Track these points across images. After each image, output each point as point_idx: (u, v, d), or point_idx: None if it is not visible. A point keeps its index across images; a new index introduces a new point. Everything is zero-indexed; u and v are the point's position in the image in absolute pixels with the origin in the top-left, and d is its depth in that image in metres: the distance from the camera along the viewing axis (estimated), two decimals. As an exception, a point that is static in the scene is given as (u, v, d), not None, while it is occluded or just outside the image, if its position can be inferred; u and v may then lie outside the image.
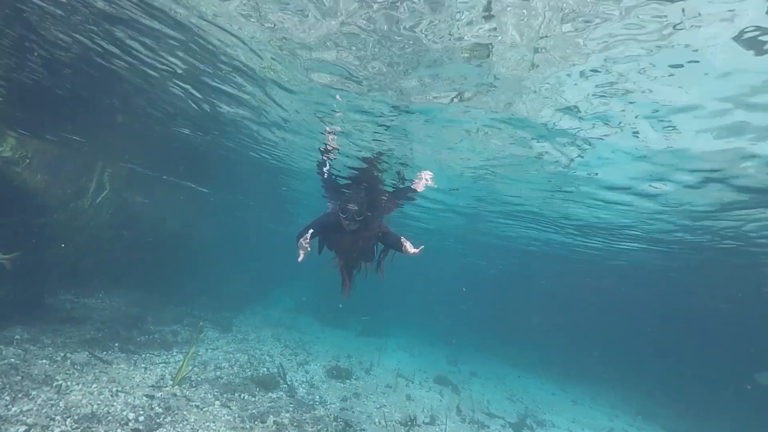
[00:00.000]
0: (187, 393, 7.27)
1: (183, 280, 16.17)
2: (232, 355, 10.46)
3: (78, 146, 11.18)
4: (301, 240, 4.67)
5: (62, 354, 7.10)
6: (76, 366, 6.88)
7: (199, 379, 8.04)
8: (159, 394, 6.85)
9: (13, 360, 6.39)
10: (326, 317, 21.90)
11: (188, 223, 17.06)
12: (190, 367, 8.64)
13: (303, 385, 9.78)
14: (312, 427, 7.31)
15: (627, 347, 28.24)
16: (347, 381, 10.97)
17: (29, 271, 7.74)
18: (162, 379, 7.52)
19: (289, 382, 9.62)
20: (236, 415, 6.96)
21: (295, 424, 7.31)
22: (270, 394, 8.46)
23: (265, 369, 10.09)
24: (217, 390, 7.78)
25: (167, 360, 8.82)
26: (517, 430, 10.56)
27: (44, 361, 6.66)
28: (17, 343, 7.02)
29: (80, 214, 9.84)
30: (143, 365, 8.02)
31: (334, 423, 7.77)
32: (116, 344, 8.65)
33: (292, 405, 8.27)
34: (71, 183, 9.76)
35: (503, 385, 16.22)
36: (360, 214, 5.41)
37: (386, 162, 8.42)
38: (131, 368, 7.65)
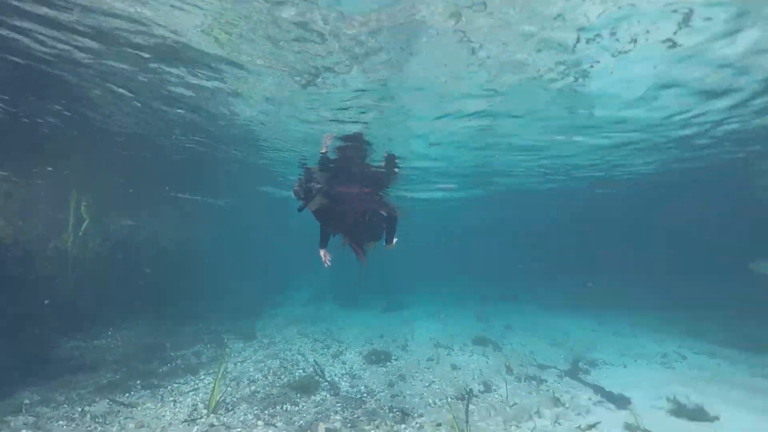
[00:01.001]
0: (226, 419, 6.61)
1: (192, 296, 15.43)
2: (263, 364, 9.82)
3: (45, 180, 10.17)
4: (323, 259, 5.85)
5: (80, 409, 6.39)
6: (97, 419, 6.17)
7: (234, 399, 7.38)
8: (195, 429, 6.19)
9: (24, 431, 5.67)
10: (347, 301, 21.41)
11: (185, 236, 16.17)
12: (223, 389, 7.99)
13: (344, 379, 9.18)
14: (369, 425, 6.70)
15: (660, 269, 27.93)
16: (388, 363, 10.40)
17: (19, 328, 6.94)
18: (195, 409, 6.85)
19: (329, 379, 9.02)
20: (284, 432, 6.33)
21: (348, 425, 6.70)
22: (313, 397, 7.84)
23: (300, 371, 9.46)
24: (256, 407, 7.13)
25: (196, 386, 8.15)
26: (572, 376, 10.08)
27: (61, 422, 5.94)
28: (27, 409, 6.30)
29: (64, 253, 8.95)
30: (171, 398, 7.33)
31: (391, 414, 7.16)
32: (138, 382, 7.96)
33: (339, 404, 7.66)
34: (46, 222, 8.82)
35: (541, 332, 15.81)
36: (299, 194, 5.43)
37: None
38: (159, 405, 6.97)
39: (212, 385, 6.57)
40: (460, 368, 10.12)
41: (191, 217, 19.17)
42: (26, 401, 6.53)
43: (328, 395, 8.02)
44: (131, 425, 6.09)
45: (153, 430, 6.05)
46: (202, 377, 8.68)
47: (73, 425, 5.91)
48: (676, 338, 14.27)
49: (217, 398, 6.95)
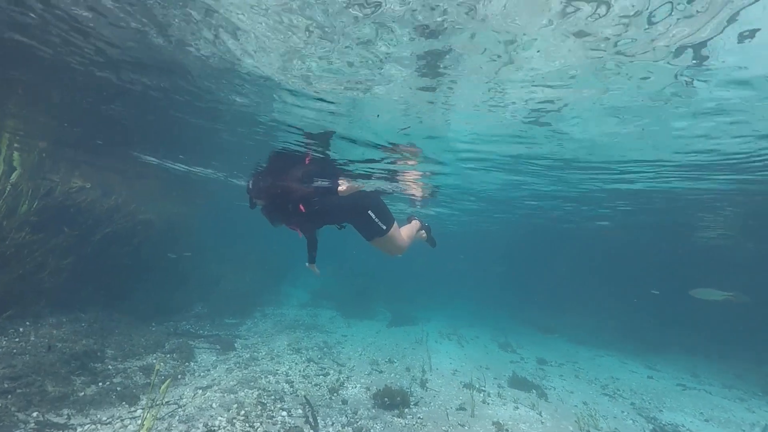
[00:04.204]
0: None
1: (166, 287, 12.66)
2: (233, 396, 7.00)
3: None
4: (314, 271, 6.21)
5: None
6: None
7: (171, 470, 4.57)
8: None
9: None
10: (348, 308, 18.64)
11: (165, 212, 13.43)
12: (162, 440, 5.18)
13: (346, 434, 6.35)
14: None
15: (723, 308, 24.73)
16: (405, 410, 7.54)
17: None
18: (96, 491, 4.04)
19: (324, 433, 6.19)
20: None
21: None
22: (299, 472, 5.01)
23: (284, 414, 6.63)
24: (204, 489, 4.32)
25: (122, 431, 5.35)
26: (660, 456, 7.23)
27: None
28: None
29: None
30: (70, 457, 4.54)
31: None
32: (32, 415, 5.16)
33: (337, 488, 4.86)
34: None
35: (583, 373, 12.92)
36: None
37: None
38: (41, 473, 4.17)
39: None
40: (507, 429, 7.24)
41: (175, 188, 16.41)
42: None
43: (321, 467, 5.19)
44: None
45: None
46: (139, 413, 5.88)
47: None
48: (761, 401, 11.32)
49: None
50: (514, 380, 10.53)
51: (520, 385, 10.22)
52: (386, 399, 7.69)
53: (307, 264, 6.29)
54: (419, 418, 7.31)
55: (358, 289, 21.12)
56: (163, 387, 4.12)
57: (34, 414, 5.22)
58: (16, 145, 8.13)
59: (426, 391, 9.00)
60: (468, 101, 5.36)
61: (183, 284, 13.42)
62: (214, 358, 9.27)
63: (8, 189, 7.44)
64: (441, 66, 4.41)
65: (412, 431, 6.72)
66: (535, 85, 4.78)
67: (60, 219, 8.51)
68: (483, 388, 9.53)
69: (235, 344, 10.47)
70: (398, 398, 7.76)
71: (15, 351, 6.14)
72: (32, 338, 6.71)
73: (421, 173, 10.57)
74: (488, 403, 8.60)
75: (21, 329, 6.88)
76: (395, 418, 7.16)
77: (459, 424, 7.24)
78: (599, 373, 13.09)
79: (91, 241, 9.45)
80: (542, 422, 7.82)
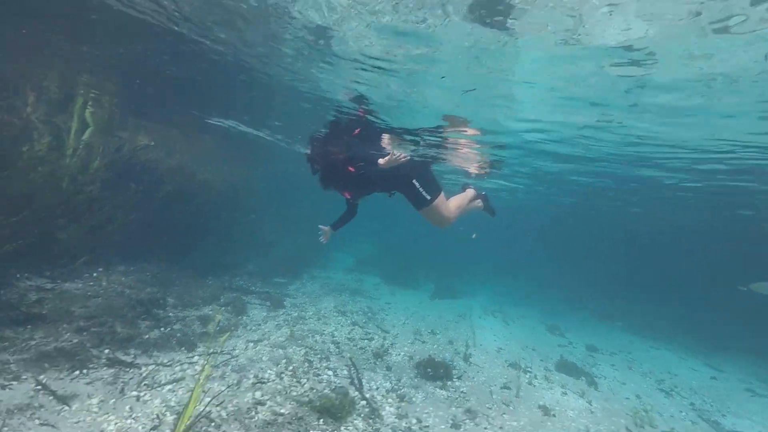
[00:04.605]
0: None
1: (223, 244, 13.28)
2: (282, 351, 7.26)
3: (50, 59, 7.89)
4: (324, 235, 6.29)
5: (-20, 393, 4.06)
6: (-4, 420, 3.79)
7: (222, 415, 4.80)
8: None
9: None
10: (392, 276, 18.74)
11: (224, 172, 13.92)
12: (212, 387, 5.48)
13: (389, 399, 6.41)
14: None
15: None
16: (448, 383, 7.50)
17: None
18: (156, 427, 4.32)
19: (368, 395, 6.29)
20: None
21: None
22: (343, 431, 5.11)
23: (329, 373, 6.80)
24: (253, 438, 4.51)
25: (181, 373, 5.70)
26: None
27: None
28: None
29: (50, 162, 6.67)
30: (134, 392, 4.88)
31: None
32: (104, 352, 5.61)
33: (380, 453, 4.94)
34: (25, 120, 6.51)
35: (637, 365, 12.29)
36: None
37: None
38: (107, 406, 4.52)
39: (191, 395, 3.99)
40: (553, 414, 7.02)
41: (234, 151, 16.93)
42: None
43: (365, 429, 5.27)
44: (40, 445, 3.67)
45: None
46: (196, 359, 6.24)
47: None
48: None
49: (193, 412, 4.35)
50: (562, 365, 10.17)
51: (568, 370, 9.87)
52: (429, 369, 7.68)
53: (325, 226, 6.26)
54: (462, 392, 7.25)
55: (402, 258, 21.26)
56: (222, 338, 4.31)
57: (106, 351, 5.67)
58: (89, 103, 8.57)
59: (469, 365, 8.90)
60: (539, 60, 4.90)
61: (238, 244, 14.03)
62: (265, 314, 9.66)
63: (82, 145, 7.89)
64: (509, 15, 3.98)
65: (454, 404, 6.67)
66: (624, 47, 4.24)
67: (127, 176, 8.97)
68: (529, 369, 9.29)
69: (285, 302, 10.85)
70: (441, 370, 7.73)
71: (89, 294, 6.66)
72: (104, 283, 7.25)
73: (478, 144, 10.12)
74: (534, 385, 8.38)
75: (95, 274, 7.46)
76: (438, 390, 7.14)
77: (503, 403, 7.11)
78: (654, 366, 12.38)
79: (155, 198, 9.97)
80: (592, 411, 7.51)
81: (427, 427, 5.81)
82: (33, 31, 6.55)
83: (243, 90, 8.52)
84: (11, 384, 4.33)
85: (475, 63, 5.11)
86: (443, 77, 5.79)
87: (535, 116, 7.26)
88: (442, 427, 5.87)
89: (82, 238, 7.37)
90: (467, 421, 6.18)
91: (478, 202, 7.55)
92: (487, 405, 6.89)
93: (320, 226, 6.27)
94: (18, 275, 6.19)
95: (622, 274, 30.52)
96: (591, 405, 7.79)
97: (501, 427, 6.18)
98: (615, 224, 25.24)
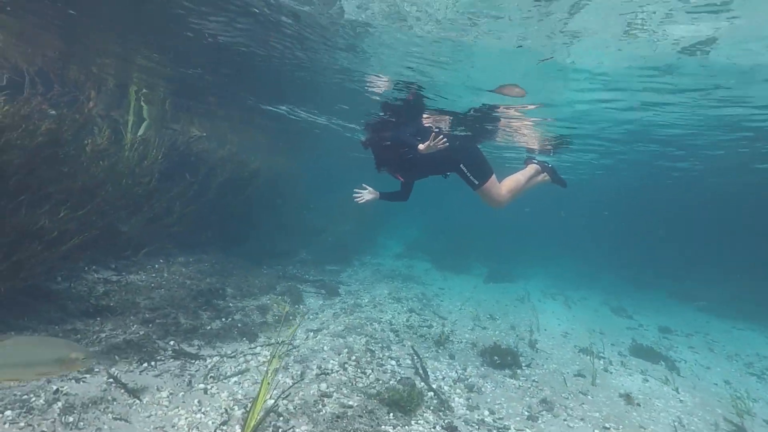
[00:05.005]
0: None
1: (274, 232, 13.37)
2: (343, 341, 7.08)
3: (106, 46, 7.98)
4: (363, 195, 6.00)
5: (54, 387, 4.09)
6: (73, 410, 3.79)
7: (289, 409, 4.64)
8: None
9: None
10: (442, 260, 18.29)
11: (275, 162, 13.95)
12: (277, 380, 5.36)
13: (457, 390, 6.06)
14: None
15: None
16: (518, 371, 7.04)
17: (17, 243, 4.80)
18: (225, 422, 4.21)
19: (435, 386, 5.96)
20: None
21: None
22: (414, 425, 4.82)
23: (393, 363, 6.54)
24: (323, 433, 4.31)
25: (245, 365, 5.62)
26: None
27: (7, 413, 3.62)
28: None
29: (110, 156, 6.76)
30: (202, 385, 4.82)
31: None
32: (170, 343, 5.62)
33: (456, 446, 4.60)
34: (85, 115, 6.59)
35: (719, 347, 11.22)
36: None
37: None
38: (177, 398, 4.46)
39: (258, 391, 3.82)
40: (638, 403, 6.39)
41: (282, 139, 16.95)
42: None
43: (436, 423, 4.95)
44: (114, 441, 3.62)
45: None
46: (258, 350, 6.16)
47: (23, 423, 3.54)
48: None
49: (261, 408, 4.19)
50: (635, 349, 9.40)
51: (644, 354, 9.09)
52: (496, 357, 7.24)
53: (365, 185, 5.99)
54: (534, 380, 6.77)
55: (452, 242, 20.74)
56: (291, 330, 4.11)
57: (171, 342, 5.69)
58: (143, 98, 8.66)
59: (536, 352, 8.37)
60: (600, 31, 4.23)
61: (290, 232, 14.10)
62: (321, 302, 9.57)
63: (139, 139, 7.99)
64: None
65: (527, 394, 6.22)
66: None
67: (182, 167, 9.06)
68: (602, 355, 8.62)
69: (339, 290, 10.73)
70: (509, 357, 7.27)
71: (153, 285, 6.76)
72: (165, 274, 7.35)
73: (536, 120, 9.41)
74: (610, 372, 7.73)
75: (156, 266, 7.59)
76: (507, 379, 6.70)
77: (580, 392, 6.56)
78: (740, 348, 11.27)
79: (209, 188, 10.07)
80: (681, 400, 6.79)
81: (502, 419, 5.41)
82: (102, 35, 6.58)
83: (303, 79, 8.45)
84: (85, 377, 4.36)
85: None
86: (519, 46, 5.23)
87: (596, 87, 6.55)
88: (518, 419, 5.45)
89: (142, 230, 7.50)
90: (544, 412, 5.71)
91: (544, 176, 7.00)
92: (563, 395, 6.38)
93: (364, 185, 5.99)
94: (86, 268, 6.35)
95: (696, 250, 28.27)
96: (678, 393, 7.06)
97: (582, 419, 5.67)
98: (689, 198, 23.21)
